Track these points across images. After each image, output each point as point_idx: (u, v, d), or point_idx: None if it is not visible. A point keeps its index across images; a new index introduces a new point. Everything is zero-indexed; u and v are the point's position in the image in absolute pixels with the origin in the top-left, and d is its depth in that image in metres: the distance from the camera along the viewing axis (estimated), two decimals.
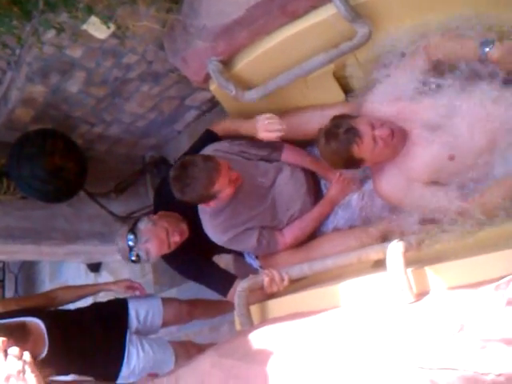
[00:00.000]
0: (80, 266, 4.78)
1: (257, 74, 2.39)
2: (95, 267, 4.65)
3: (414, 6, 2.14)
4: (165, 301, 3.03)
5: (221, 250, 2.58)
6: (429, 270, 1.56)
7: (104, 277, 4.52)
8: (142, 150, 4.00)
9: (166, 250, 2.45)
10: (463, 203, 2.00)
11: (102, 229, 3.66)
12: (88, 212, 3.63)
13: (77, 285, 3.29)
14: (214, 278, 2.48)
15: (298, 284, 2.12)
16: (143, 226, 2.43)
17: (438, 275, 1.54)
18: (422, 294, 1.54)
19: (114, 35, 2.58)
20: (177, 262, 2.58)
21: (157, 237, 2.40)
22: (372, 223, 2.33)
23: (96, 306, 2.95)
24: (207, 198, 2.25)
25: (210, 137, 2.52)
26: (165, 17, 2.45)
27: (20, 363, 1.21)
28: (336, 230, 2.47)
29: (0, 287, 6.16)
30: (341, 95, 2.44)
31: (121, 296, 3.03)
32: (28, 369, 1.21)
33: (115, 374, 2.73)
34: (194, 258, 2.52)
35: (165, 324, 3.01)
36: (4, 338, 1.23)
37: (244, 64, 2.38)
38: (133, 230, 2.43)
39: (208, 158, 2.23)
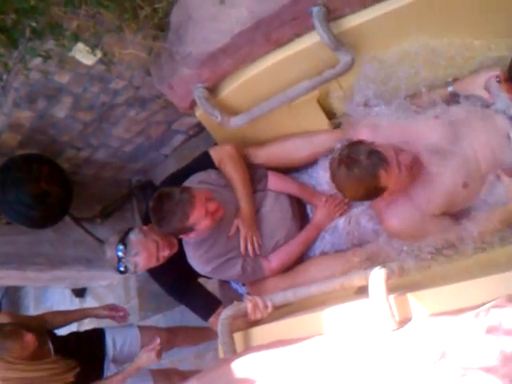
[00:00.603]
0: (65, 291, 4.74)
1: (242, 101, 2.41)
2: (80, 292, 4.61)
3: (396, 33, 2.17)
4: (142, 329, 3.01)
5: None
6: (411, 297, 1.56)
7: (89, 302, 4.48)
8: (129, 174, 4.00)
9: (154, 264, 2.43)
10: (465, 233, 1.98)
11: (87, 254, 3.64)
12: (73, 237, 3.62)
13: (65, 310, 3.25)
14: (197, 300, 2.47)
15: (281, 311, 2.10)
16: (134, 237, 2.41)
17: (419, 302, 1.54)
18: (404, 321, 1.54)
19: (101, 61, 2.60)
20: (162, 278, 2.56)
21: (147, 250, 2.38)
22: (359, 247, 2.32)
23: (74, 335, 2.93)
24: (184, 230, 2.26)
25: (206, 162, 2.50)
26: (151, 44, 2.48)
27: None
28: (323, 254, 2.46)
29: None
30: (325, 121, 2.46)
31: (99, 326, 3.02)
32: None
33: None
34: (181, 276, 2.51)
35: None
36: None
37: (229, 91, 2.40)
38: (123, 241, 2.40)
39: (184, 190, 2.23)
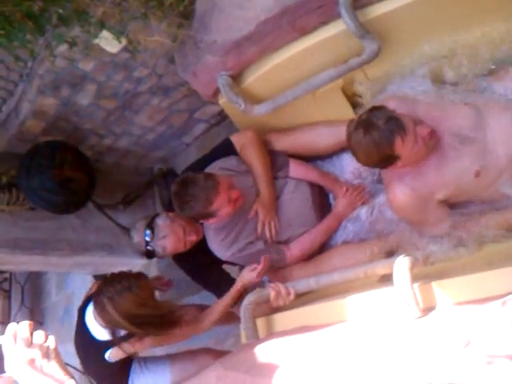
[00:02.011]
0: (87, 277, 4.78)
1: (266, 89, 2.41)
2: (102, 278, 4.64)
3: (425, 23, 2.16)
4: (175, 362, 2.77)
5: (231, 262, 2.58)
6: (435, 286, 1.56)
7: None
8: (151, 162, 4.03)
9: (181, 249, 2.47)
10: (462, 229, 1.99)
11: (109, 240, 3.68)
12: (96, 223, 3.65)
13: None
14: (223, 286, 2.47)
15: (304, 298, 2.11)
16: (161, 221, 2.45)
17: (444, 290, 1.54)
18: (428, 309, 1.54)
19: (125, 49, 2.62)
20: (188, 264, 2.59)
21: (174, 234, 2.42)
22: (381, 237, 2.31)
23: None
24: (206, 215, 2.29)
25: (227, 148, 2.52)
26: (176, 32, 2.49)
27: (44, 348, 1.21)
28: (345, 243, 2.46)
29: (6, 298, 6.16)
30: (349, 110, 2.44)
31: None
32: (52, 353, 1.21)
33: None
34: (205, 263, 2.53)
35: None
36: (31, 322, 1.23)
37: (253, 79, 2.40)
38: (150, 225, 2.44)
39: (209, 177, 2.26)
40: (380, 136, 1.87)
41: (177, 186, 2.26)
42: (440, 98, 2.15)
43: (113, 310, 2.26)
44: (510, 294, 1.36)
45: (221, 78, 2.37)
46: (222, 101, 2.51)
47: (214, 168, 2.45)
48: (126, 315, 2.27)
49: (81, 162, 3.33)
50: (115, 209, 3.74)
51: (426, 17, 2.13)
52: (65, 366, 1.23)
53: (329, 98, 2.39)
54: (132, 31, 2.46)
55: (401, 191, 2.04)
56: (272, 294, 2.01)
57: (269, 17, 2.15)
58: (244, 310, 1.94)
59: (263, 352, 1.70)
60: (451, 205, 2.09)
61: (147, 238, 2.43)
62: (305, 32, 2.23)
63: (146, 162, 4.01)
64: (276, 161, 2.50)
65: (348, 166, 2.49)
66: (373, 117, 1.90)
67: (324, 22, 2.18)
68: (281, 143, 2.54)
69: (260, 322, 2.00)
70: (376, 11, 2.13)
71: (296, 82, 2.32)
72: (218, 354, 2.86)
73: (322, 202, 2.57)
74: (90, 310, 2.42)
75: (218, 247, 2.44)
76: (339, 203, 2.47)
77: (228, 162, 2.48)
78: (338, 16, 2.12)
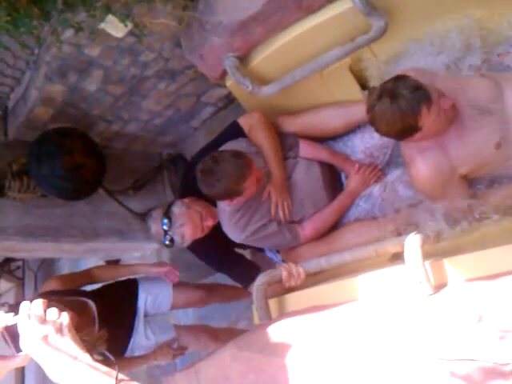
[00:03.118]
0: (99, 262, 4.83)
1: (273, 69, 2.40)
2: (114, 264, 4.69)
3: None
4: (178, 286, 3.01)
5: (242, 245, 2.59)
6: (447, 263, 1.55)
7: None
8: (159, 147, 4.04)
9: (199, 234, 2.48)
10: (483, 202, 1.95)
11: (120, 226, 3.70)
12: (106, 209, 3.67)
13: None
14: (237, 268, 2.49)
15: (316, 278, 2.12)
16: (177, 209, 2.45)
17: (455, 267, 1.53)
18: (440, 287, 1.54)
19: (131, 33, 2.61)
20: (202, 249, 2.59)
21: (192, 220, 2.43)
22: (394, 214, 2.30)
23: (107, 287, 2.93)
24: (234, 193, 2.26)
25: (236, 131, 2.51)
26: (181, 14, 2.47)
27: (58, 323, 1.23)
28: (358, 220, 2.46)
29: (20, 285, 6.23)
30: (357, 89, 2.43)
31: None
32: (65, 329, 1.23)
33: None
34: (220, 245, 2.53)
35: (173, 308, 3.04)
36: (45, 300, 1.26)
37: (260, 59, 2.38)
38: (167, 214, 2.45)
39: (239, 155, 2.24)
40: (407, 105, 1.84)
41: (206, 164, 2.22)
42: (457, 72, 2.13)
43: None
44: None
45: (227, 59, 2.36)
46: (230, 83, 2.50)
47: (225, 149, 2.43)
48: None
49: (90, 149, 3.34)
50: (125, 194, 3.76)
51: None
52: (79, 340, 1.24)
53: (336, 77, 2.38)
54: (137, 14, 2.45)
55: (425, 165, 2.01)
56: (284, 274, 2.01)
57: None
58: (256, 290, 1.95)
59: (276, 332, 1.71)
60: (471, 180, 2.07)
61: (165, 227, 2.44)
62: (311, 11, 2.21)
63: (155, 147, 4.02)
64: (286, 141, 2.50)
65: (359, 146, 2.48)
66: (398, 86, 1.86)
67: (330, 0, 2.16)
68: (291, 126, 2.53)
69: (272, 303, 2.00)
70: None
71: (303, 61, 2.30)
72: (215, 332, 2.96)
73: (333, 181, 2.56)
74: None
75: (233, 229, 2.44)
76: (352, 181, 2.47)
77: (238, 145, 2.46)
78: None
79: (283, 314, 1.93)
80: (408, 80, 1.87)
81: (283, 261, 2.48)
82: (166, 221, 2.44)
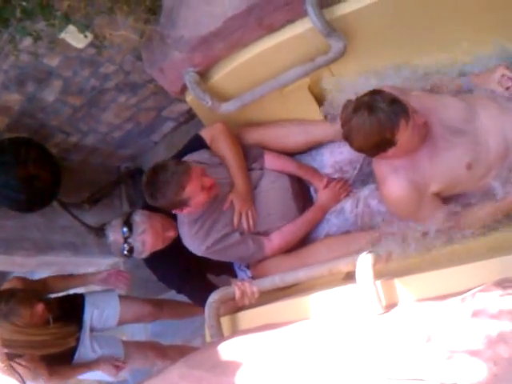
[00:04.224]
0: None
1: (233, 86, 2.40)
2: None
3: (392, 23, 2.18)
4: (126, 300, 2.98)
5: (209, 266, 2.52)
6: (398, 282, 1.57)
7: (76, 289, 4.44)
8: (118, 160, 3.97)
9: (160, 245, 2.41)
10: (454, 223, 1.99)
11: (74, 240, 3.61)
12: (61, 223, 3.58)
13: (66, 275, 3.17)
14: (200, 288, 2.38)
15: (269, 296, 2.11)
16: (138, 217, 2.39)
17: (406, 287, 1.55)
18: (391, 306, 1.55)
19: (91, 44, 2.58)
20: (163, 266, 2.51)
21: (153, 228, 2.37)
22: (367, 229, 2.29)
23: (53, 300, 2.86)
24: (178, 204, 2.21)
25: (198, 143, 2.48)
26: (143, 27, 2.46)
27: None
28: (330, 236, 2.43)
29: None
30: (316, 109, 2.45)
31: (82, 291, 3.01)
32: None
33: None
34: (182, 264, 2.46)
35: (121, 322, 2.99)
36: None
37: (221, 75, 2.39)
38: (127, 222, 2.38)
39: (179, 163, 2.21)
40: (385, 118, 1.82)
41: (147, 176, 2.20)
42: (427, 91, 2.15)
43: None
44: (469, 290, 1.38)
45: (188, 74, 2.35)
46: (190, 98, 2.49)
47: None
48: (2, 340, 2.37)
49: (46, 160, 3.26)
50: (81, 208, 3.68)
51: (391, 17, 2.14)
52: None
53: (296, 95, 2.40)
54: (98, 26, 2.43)
55: (398, 184, 1.99)
56: (237, 293, 1.99)
57: (236, 13, 2.14)
58: (208, 308, 1.92)
59: (227, 350, 1.69)
60: (444, 198, 2.07)
61: (125, 234, 2.37)
62: (272, 30, 2.23)
63: (114, 161, 3.95)
64: (250, 153, 2.47)
65: (328, 160, 2.46)
66: (376, 99, 1.84)
67: (291, 20, 2.19)
68: (251, 137, 2.51)
69: (225, 321, 1.98)
70: (342, 10, 2.14)
71: (263, 79, 2.32)
72: (163, 350, 2.93)
73: (302, 194, 2.53)
74: None
75: (192, 241, 2.37)
76: (323, 195, 2.45)
77: (200, 156, 2.43)
78: (304, 14, 2.13)
79: (235, 332, 1.92)
80: (385, 94, 1.87)
81: (253, 277, 2.43)
82: (125, 229, 2.37)
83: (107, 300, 2.93)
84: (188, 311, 3.12)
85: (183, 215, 2.34)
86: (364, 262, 1.57)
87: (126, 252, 2.40)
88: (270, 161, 2.48)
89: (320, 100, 2.45)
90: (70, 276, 3.07)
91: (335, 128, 2.32)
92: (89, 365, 2.80)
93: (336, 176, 2.48)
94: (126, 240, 2.37)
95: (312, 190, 2.56)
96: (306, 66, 2.23)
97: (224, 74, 2.38)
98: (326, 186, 2.44)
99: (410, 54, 2.28)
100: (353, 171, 2.47)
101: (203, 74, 2.40)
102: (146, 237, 2.37)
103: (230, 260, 2.53)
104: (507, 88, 2.06)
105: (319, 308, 1.74)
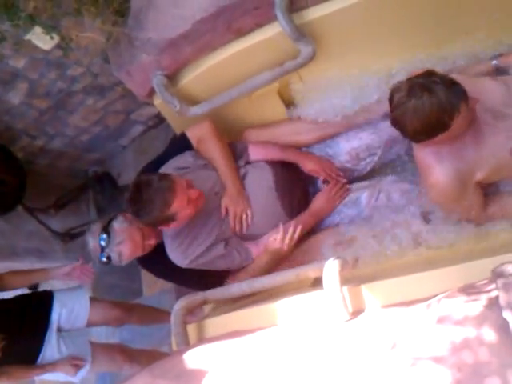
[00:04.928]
0: None
1: (202, 90, 2.38)
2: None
3: (362, 28, 2.18)
4: (95, 302, 2.90)
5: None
6: (364, 289, 1.56)
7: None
8: (86, 164, 3.92)
9: (139, 253, 2.33)
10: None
11: (40, 245, 3.55)
12: (26, 228, 3.52)
13: (26, 270, 3.06)
14: (197, 278, 2.31)
15: (237, 302, 2.09)
16: (118, 225, 2.29)
17: (373, 293, 1.54)
18: (357, 312, 1.54)
19: (58, 46, 2.54)
20: (157, 263, 2.41)
21: (131, 239, 2.27)
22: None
23: (20, 297, 2.79)
24: (165, 220, 2.12)
25: (182, 144, 2.39)
26: (110, 29, 2.42)
27: None
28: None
29: None
30: (284, 113, 2.45)
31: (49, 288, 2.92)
32: None
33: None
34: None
35: (90, 325, 2.91)
36: None
37: (189, 79, 2.36)
38: (106, 229, 2.29)
39: (163, 177, 2.11)
40: (446, 100, 1.70)
41: (130, 192, 2.10)
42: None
43: None
44: (435, 296, 1.38)
45: (156, 77, 2.32)
46: (158, 101, 2.45)
47: (167, 169, 2.31)
48: None
49: (10, 164, 3.21)
50: (47, 213, 3.62)
51: (361, 22, 2.15)
52: None
53: (265, 99, 2.39)
54: (64, 27, 2.39)
55: (445, 173, 1.90)
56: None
57: (204, 16, 2.12)
58: (174, 315, 1.89)
59: (193, 359, 1.66)
60: (483, 187, 2.01)
61: (103, 243, 2.28)
62: (241, 33, 2.21)
63: (81, 165, 3.90)
64: (235, 149, 2.40)
65: (345, 147, 2.38)
66: (434, 80, 1.73)
67: (260, 25, 2.17)
68: (259, 136, 2.46)
69: (191, 328, 1.95)
70: (312, 14, 2.13)
71: (232, 83, 2.29)
72: (131, 354, 2.87)
73: (290, 189, 2.41)
74: None
75: (177, 254, 2.27)
76: (317, 200, 2.37)
77: (184, 159, 2.35)
78: (274, 18, 2.11)
79: (202, 339, 1.88)
80: (442, 75, 1.76)
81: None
82: (104, 236, 2.28)
83: (77, 299, 2.84)
84: (158, 317, 3.07)
85: (166, 228, 2.24)
86: (331, 268, 1.56)
87: (104, 260, 2.32)
88: (255, 152, 2.40)
89: (289, 104, 2.45)
90: (30, 270, 2.95)
91: (347, 120, 2.32)
92: (44, 366, 2.70)
93: (350, 165, 2.39)
94: (103, 249, 2.29)
95: (319, 182, 2.45)
96: (275, 70, 2.21)
97: (193, 78, 2.34)
98: (324, 181, 2.37)
99: (380, 58, 2.28)
100: (371, 159, 2.38)
101: (171, 78, 2.37)
102: (123, 248, 2.28)
103: (216, 270, 2.38)
104: None
105: (287, 314, 1.72)
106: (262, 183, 2.35)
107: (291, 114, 2.42)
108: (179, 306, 1.92)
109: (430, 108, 1.71)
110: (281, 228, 2.19)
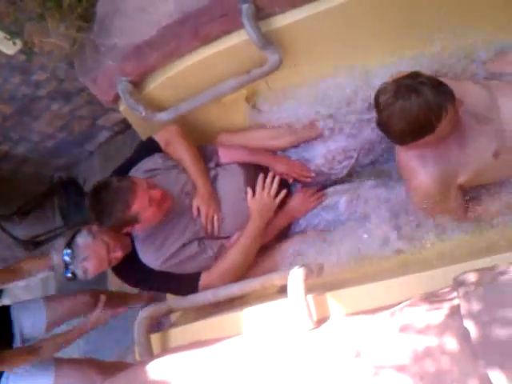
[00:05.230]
0: None
1: (168, 96, 2.35)
2: None
3: (326, 37, 2.19)
4: (51, 299, 2.79)
5: None
6: (329, 297, 1.56)
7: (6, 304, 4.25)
8: (51, 170, 3.85)
9: (105, 268, 2.27)
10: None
11: (3, 253, 3.47)
12: None
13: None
14: (177, 279, 2.24)
15: (202, 311, 2.07)
16: (82, 240, 2.22)
17: (337, 301, 1.54)
18: (322, 320, 1.54)
19: (22, 51, 2.49)
20: (133, 273, 2.33)
21: (96, 255, 2.20)
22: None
23: None
24: (127, 222, 2.09)
25: (151, 147, 2.36)
26: (75, 35, 2.38)
27: None
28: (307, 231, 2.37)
29: None
30: (252, 119, 2.44)
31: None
32: None
33: None
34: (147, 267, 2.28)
35: (52, 326, 2.76)
36: None
37: (156, 85, 2.33)
38: (70, 245, 2.22)
39: (122, 179, 2.09)
40: (434, 100, 1.69)
41: (90, 197, 2.08)
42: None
43: None
44: (399, 303, 1.38)
45: (120, 83, 2.29)
46: (123, 107, 2.42)
47: (137, 171, 2.28)
48: None
49: None
50: (10, 220, 3.54)
51: (327, 29, 2.16)
52: None
53: (233, 106, 2.38)
54: (28, 32, 2.34)
55: (428, 176, 1.89)
56: None
57: (170, 22, 2.10)
58: (138, 325, 1.86)
59: (155, 369, 1.64)
60: (465, 190, 2.03)
61: (67, 259, 2.21)
62: (208, 40, 2.20)
63: (46, 170, 3.83)
64: (205, 152, 2.39)
65: (321, 150, 2.38)
66: (420, 81, 1.72)
67: (227, 32, 2.16)
68: (234, 140, 2.45)
69: (155, 338, 1.92)
70: (279, 22, 2.13)
71: (199, 90, 2.28)
72: (102, 366, 2.80)
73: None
74: None
75: (147, 256, 2.23)
76: (292, 200, 2.37)
77: (153, 161, 2.31)
78: (240, 26, 2.10)
79: (165, 350, 1.86)
80: (428, 76, 1.76)
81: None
82: (68, 251, 2.21)
83: (32, 305, 2.73)
84: (123, 301, 2.96)
85: (136, 230, 2.20)
86: (295, 277, 1.55)
87: (69, 276, 2.25)
88: (225, 154, 2.40)
89: (257, 110, 2.44)
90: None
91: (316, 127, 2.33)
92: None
93: (326, 168, 2.39)
94: (67, 265, 2.23)
95: (294, 187, 2.45)
96: (242, 78, 2.21)
97: (159, 84, 2.32)
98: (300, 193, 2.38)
99: (347, 64, 2.29)
100: (348, 161, 2.38)
101: (137, 84, 2.34)
102: (88, 264, 2.21)
103: (188, 271, 2.30)
104: None
105: (252, 323, 1.71)
106: (232, 185, 2.34)
107: (259, 120, 2.42)
108: (143, 315, 1.89)
109: (417, 109, 1.70)
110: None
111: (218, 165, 2.40)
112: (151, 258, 2.23)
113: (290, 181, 2.41)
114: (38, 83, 2.89)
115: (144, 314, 1.90)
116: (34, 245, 3.49)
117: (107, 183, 2.08)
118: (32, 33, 2.34)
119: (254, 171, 2.38)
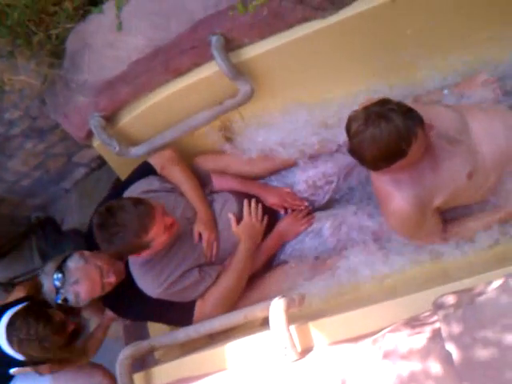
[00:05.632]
0: None
1: (142, 130, 2.35)
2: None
3: (296, 67, 2.20)
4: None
5: None
6: (312, 326, 1.54)
7: None
8: (28, 210, 3.76)
9: (98, 293, 2.13)
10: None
11: None
12: None
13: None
14: (172, 308, 2.17)
15: (186, 347, 2.03)
16: (73, 264, 2.11)
17: (320, 331, 1.53)
18: (306, 351, 1.52)
19: None
20: (126, 302, 2.25)
21: (88, 278, 2.09)
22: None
23: None
24: (139, 248, 2.00)
25: (146, 170, 2.31)
26: (46, 72, 2.37)
27: None
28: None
29: None
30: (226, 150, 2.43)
31: None
32: None
33: None
34: (142, 299, 2.20)
35: None
36: None
37: (128, 120, 2.32)
38: (61, 269, 2.11)
39: (139, 201, 1.98)
40: (403, 127, 1.71)
41: (100, 217, 1.95)
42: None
43: (19, 349, 2.12)
44: (380, 330, 1.37)
45: (93, 119, 2.28)
46: (97, 143, 2.40)
47: (134, 191, 2.21)
48: (30, 357, 2.16)
49: None
50: None
51: (297, 59, 2.17)
52: None
53: (207, 137, 2.38)
54: None
55: (404, 200, 1.90)
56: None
57: (140, 57, 2.11)
58: (120, 365, 1.81)
59: None
60: (441, 212, 2.04)
61: (57, 283, 2.09)
62: (179, 73, 2.20)
63: (23, 211, 3.74)
64: (200, 178, 2.36)
65: (300, 176, 2.38)
66: (389, 108, 1.74)
67: (197, 64, 2.17)
68: (212, 164, 2.43)
69: (138, 377, 1.87)
70: (249, 53, 2.14)
71: (173, 122, 2.28)
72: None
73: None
74: (3, 323, 2.17)
75: (146, 283, 2.15)
76: (282, 221, 2.36)
77: (149, 183, 2.26)
78: (211, 57, 2.10)
79: None
80: (397, 102, 1.79)
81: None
82: (58, 276, 2.10)
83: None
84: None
85: (134, 256, 2.11)
86: (276, 308, 1.53)
87: (60, 302, 2.13)
88: (218, 182, 2.38)
89: (231, 141, 2.44)
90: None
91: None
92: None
93: (308, 194, 2.38)
94: (58, 290, 2.11)
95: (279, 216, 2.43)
96: (215, 109, 2.22)
97: (131, 118, 2.31)
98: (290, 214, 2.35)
99: (319, 92, 2.32)
100: (329, 186, 2.38)
101: (110, 119, 2.33)
102: (80, 287, 2.10)
103: (186, 299, 2.21)
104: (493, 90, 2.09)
105: (236, 357, 1.68)
106: (226, 211, 2.31)
107: (233, 151, 2.41)
108: (124, 355, 1.84)
109: (387, 135, 1.72)
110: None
111: (212, 191, 2.39)
112: (150, 284, 2.15)
113: (282, 212, 2.39)
114: (10, 122, 2.85)
115: (125, 353, 1.84)
116: (13, 286, 3.41)
117: (123, 205, 1.97)
118: (2, 71, 2.32)
119: (247, 199, 2.36)
